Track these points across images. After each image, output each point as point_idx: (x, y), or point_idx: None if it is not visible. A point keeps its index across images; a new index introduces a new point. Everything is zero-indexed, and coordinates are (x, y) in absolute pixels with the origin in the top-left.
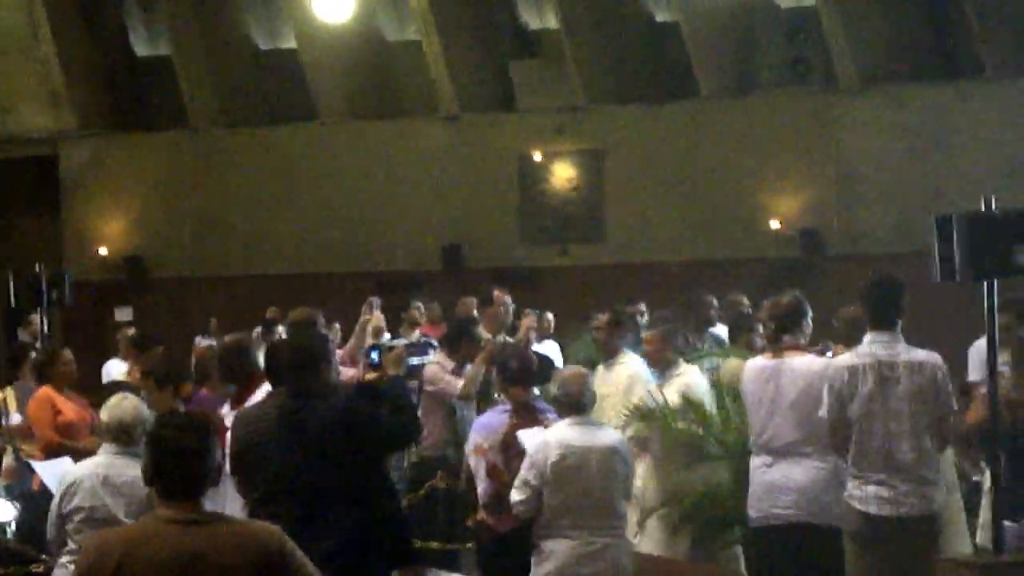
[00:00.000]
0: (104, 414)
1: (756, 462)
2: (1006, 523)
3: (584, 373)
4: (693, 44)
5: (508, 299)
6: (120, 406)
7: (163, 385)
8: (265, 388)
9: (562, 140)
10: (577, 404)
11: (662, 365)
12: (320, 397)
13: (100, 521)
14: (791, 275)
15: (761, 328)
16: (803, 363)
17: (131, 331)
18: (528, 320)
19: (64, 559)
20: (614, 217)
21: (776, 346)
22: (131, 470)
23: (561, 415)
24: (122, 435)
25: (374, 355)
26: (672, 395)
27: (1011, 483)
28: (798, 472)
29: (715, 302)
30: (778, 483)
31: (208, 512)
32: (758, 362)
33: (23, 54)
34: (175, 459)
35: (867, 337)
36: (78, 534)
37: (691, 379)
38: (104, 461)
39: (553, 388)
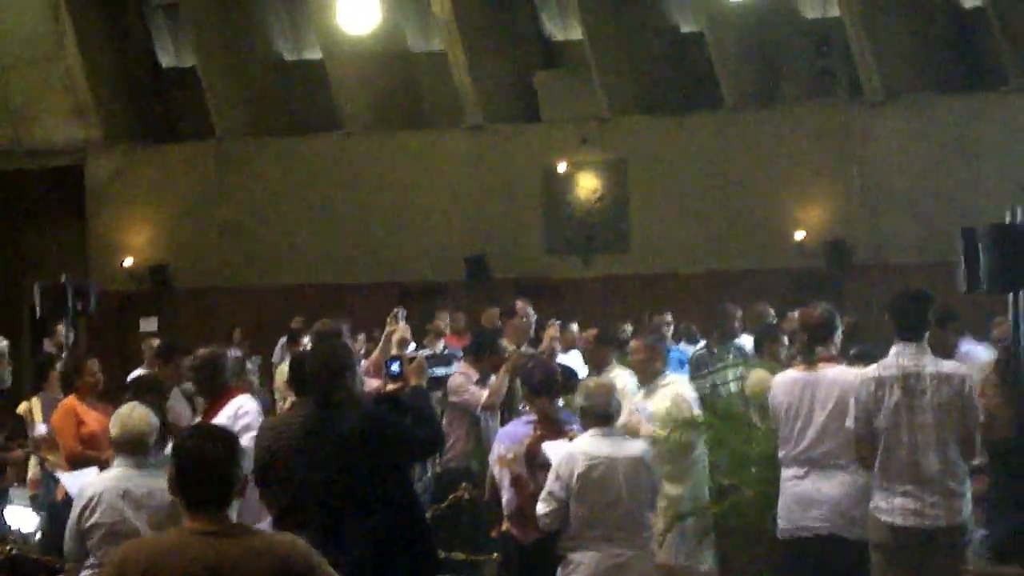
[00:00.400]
0: (114, 428)
1: (787, 473)
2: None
3: (609, 384)
4: (718, 55)
5: (530, 310)
6: (130, 417)
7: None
8: (235, 403)
9: (586, 151)
10: (604, 415)
11: (649, 375)
12: (345, 407)
13: (122, 536)
14: (815, 286)
15: (786, 339)
16: (838, 373)
17: (156, 341)
18: (552, 330)
19: (85, 573)
20: (638, 228)
21: (810, 357)
22: (149, 481)
23: (586, 426)
24: (136, 447)
25: (395, 366)
26: (659, 405)
27: (995, 495)
28: (830, 485)
29: (739, 313)
30: (809, 495)
31: (234, 524)
32: (790, 374)
33: (49, 65)
34: (199, 470)
35: (893, 349)
36: (99, 549)
37: (679, 389)
38: (121, 475)
39: (579, 399)
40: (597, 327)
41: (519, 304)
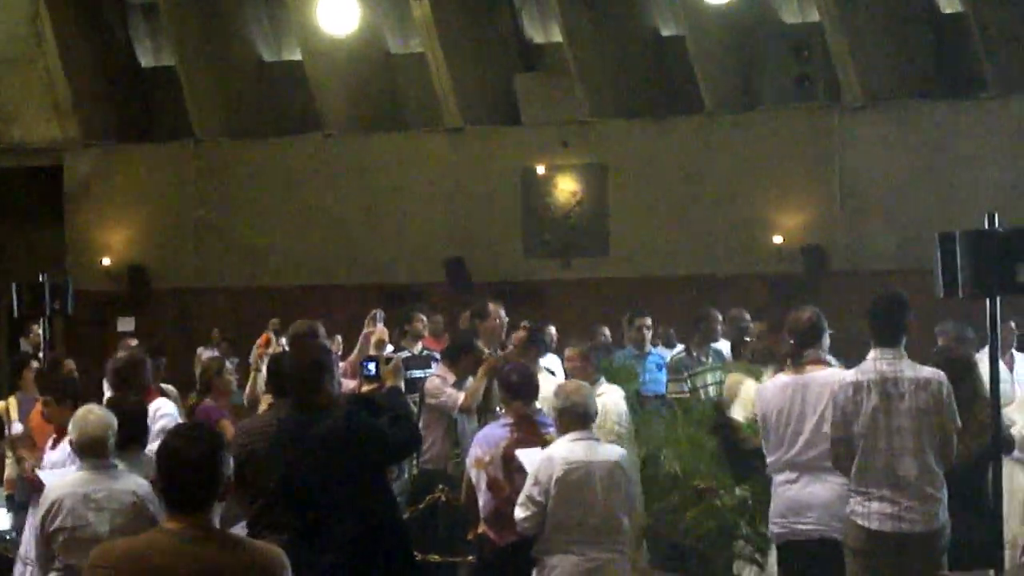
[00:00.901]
0: (72, 432)
1: (779, 479)
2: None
3: (588, 387)
4: (698, 59)
5: (503, 312)
6: (86, 420)
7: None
8: (153, 405)
9: (566, 154)
10: (583, 417)
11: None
12: (322, 409)
13: (85, 540)
14: (793, 291)
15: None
16: (828, 376)
17: (133, 342)
18: (521, 333)
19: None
20: (617, 231)
21: (798, 361)
22: (110, 482)
23: (563, 430)
24: (95, 448)
25: (371, 366)
26: None
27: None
28: (822, 488)
29: (720, 317)
30: (802, 499)
31: (215, 529)
32: (780, 378)
33: (28, 65)
34: (183, 471)
35: (871, 354)
36: (64, 553)
37: (609, 398)
38: (82, 478)
39: (556, 401)
40: (573, 331)
41: (491, 306)
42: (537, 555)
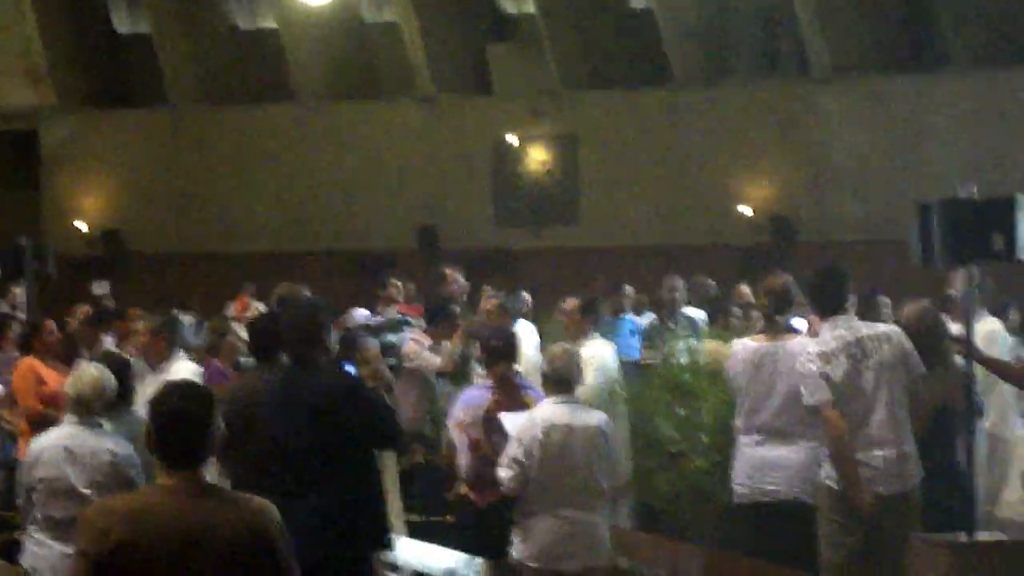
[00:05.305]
0: (68, 386)
1: (745, 440)
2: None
3: (572, 350)
4: (667, 31)
5: (460, 277)
6: (80, 378)
7: None
8: None
9: (537, 124)
10: (566, 380)
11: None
12: (320, 368)
13: (61, 492)
14: (762, 261)
15: (736, 310)
16: (799, 345)
17: (87, 308)
18: (490, 303)
19: (30, 528)
20: (588, 201)
21: (771, 327)
22: (92, 440)
23: (547, 393)
24: (82, 406)
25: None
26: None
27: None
28: (792, 450)
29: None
30: (770, 460)
31: (210, 484)
32: (751, 344)
33: (5, 30)
34: (177, 427)
35: (825, 325)
36: (42, 505)
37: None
38: (67, 432)
39: (542, 366)
40: (543, 298)
41: (448, 272)
42: (516, 517)
